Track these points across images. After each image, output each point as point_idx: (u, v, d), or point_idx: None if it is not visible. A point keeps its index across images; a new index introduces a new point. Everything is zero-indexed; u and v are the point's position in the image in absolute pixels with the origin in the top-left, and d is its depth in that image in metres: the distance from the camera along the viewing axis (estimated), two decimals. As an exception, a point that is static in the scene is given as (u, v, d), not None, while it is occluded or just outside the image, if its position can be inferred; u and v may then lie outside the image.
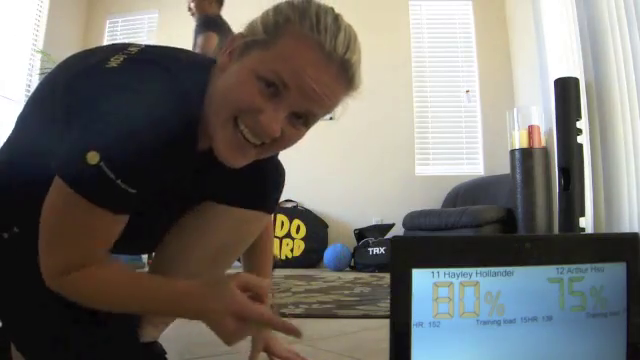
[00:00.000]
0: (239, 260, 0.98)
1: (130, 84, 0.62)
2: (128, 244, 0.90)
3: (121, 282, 0.66)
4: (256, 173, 0.82)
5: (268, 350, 0.90)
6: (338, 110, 0.69)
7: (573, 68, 3.31)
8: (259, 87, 0.62)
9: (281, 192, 0.87)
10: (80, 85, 0.65)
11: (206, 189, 0.83)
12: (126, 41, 0.80)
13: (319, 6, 0.64)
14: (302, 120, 0.66)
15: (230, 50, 0.67)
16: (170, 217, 0.84)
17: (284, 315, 1.69)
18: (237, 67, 0.65)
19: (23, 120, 0.72)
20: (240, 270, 0.93)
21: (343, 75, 0.64)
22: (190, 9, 2.98)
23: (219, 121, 0.66)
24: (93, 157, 0.57)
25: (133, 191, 0.61)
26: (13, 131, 0.73)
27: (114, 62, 0.65)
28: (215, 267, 0.88)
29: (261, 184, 0.83)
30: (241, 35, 0.67)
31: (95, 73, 0.65)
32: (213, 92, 0.68)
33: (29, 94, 0.80)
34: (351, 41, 0.64)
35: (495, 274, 0.54)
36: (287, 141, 0.68)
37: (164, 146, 0.62)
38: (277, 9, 0.65)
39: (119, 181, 0.59)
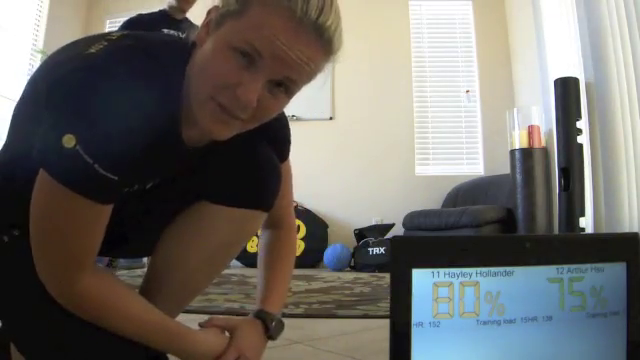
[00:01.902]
0: (237, 259, 0.97)
1: (107, 67, 0.61)
2: (126, 247, 0.90)
3: (144, 319, 0.70)
4: (252, 171, 0.81)
5: (231, 335, 0.81)
6: (320, 76, 0.68)
7: (573, 68, 3.31)
8: (234, 59, 0.62)
9: (278, 191, 0.85)
10: (59, 73, 0.64)
11: (200, 187, 0.82)
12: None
13: None
14: (282, 88, 0.65)
15: (206, 23, 0.66)
16: (165, 217, 0.84)
17: (284, 315, 1.69)
18: (212, 40, 0.64)
19: (15, 120, 0.72)
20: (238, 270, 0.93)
21: (318, 39, 0.62)
22: (181, 10, 2.66)
23: (199, 99, 0.65)
24: (69, 140, 0.56)
25: (114, 177, 0.59)
26: (8, 131, 0.73)
27: (94, 49, 0.64)
28: (212, 268, 0.87)
29: (257, 182, 0.82)
30: (216, 7, 0.66)
31: (74, 60, 0.64)
32: (192, 69, 0.67)
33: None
34: (325, 4, 0.62)
35: (495, 274, 0.54)
36: (268, 111, 0.66)
37: (143, 129, 0.61)
38: None
39: (97, 165, 0.57)
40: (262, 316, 0.84)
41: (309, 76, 0.66)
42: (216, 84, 0.63)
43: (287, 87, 0.65)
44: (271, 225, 0.95)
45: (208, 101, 0.64)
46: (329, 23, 0.63)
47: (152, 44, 0.68)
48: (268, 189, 0.83)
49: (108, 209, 0.64)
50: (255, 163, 0.82)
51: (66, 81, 0.60)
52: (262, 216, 0.85)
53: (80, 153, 0.56)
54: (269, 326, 0.83)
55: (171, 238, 0.83)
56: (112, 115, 0.58)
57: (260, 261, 0.94)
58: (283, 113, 0.85)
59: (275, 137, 0.86)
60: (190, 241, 0.82)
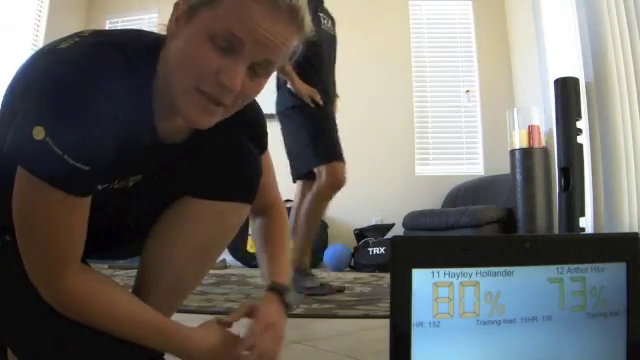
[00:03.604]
0: (237, 259, 0.97)
1: (76, 60, 0.62)
2: (121, 248, 0.90)
3: (138, 319, 0.69)
4: (233, 164, 0.82)
5: (252, 315, 0.80)
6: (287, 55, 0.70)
7: (573, 68, 3.31)
8: (213, 47, 0.63)
9: (259, 182, 0.86)
10: (30, 67, 0.66)
11: (182, 183, 0.82)
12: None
13: None
14: (261, 71, 0.67)
15: (176, 16, 0.67)
16: (154, 216, 0.84)
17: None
18: (187, 32, 0.65)
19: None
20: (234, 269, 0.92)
21: (293, 21, 0.66)
22: None
23: (182, 91, 0.66)
24: (39, 132, 0.57)
25: (85, 168, 0.60)
26: None
27: (64, 44, 0.65)
28: (199, 263, 0.87)
29: (239, 175, 0.83)
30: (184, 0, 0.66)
31: (46, 55, 0.65)
32: (166, 61, 0.68)
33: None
34: None
35: (495, 274, 0.54)
36: (249, 94, 0.69)
37: (113, 119, 0.62)
38: None
39: (66, 156, 0.58)
40: (275, 287, 0.84)
41: (285, 56, 0.69)
42: (198, 73, 0.64)
43: (266, 69, 0.68)
44: (261, 212, 0.96)
45: (192, 92, 0.65)
46: (300, 4, 0.66)
47: (121, 40, 0.69)
48: (250, 181, 0.84)
49: (84, 202, 0.64)
50: (236, 156, 0.83)
51: (36, 75, 0.61)
52: (245, 208, 0.86)
53: (49, 144, 0.57)
54: (284, 295, 0.84)
55: (157, 236, 0.83)
56: (81, 107, 0.59)
57: (258, 242, 0.95)
58: (259, 107, 0.88)
59: (253, 130, 0.87)
60: (176, 237, 0.82)
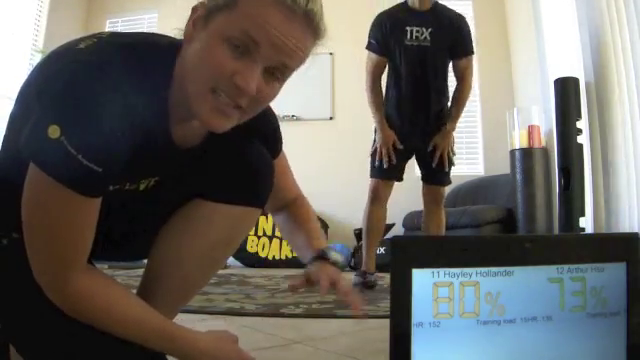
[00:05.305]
0: (238, 259, 0.97)
1: (94, 61, 0.62)
2: (125, 250, 0.90)
3: (141, 320, 0.69)
4: (245, 168, 0.82)
5: (334, 286, 0.84)
6: (308, 61, 0.71)
7: (573, 68, 3.31)
8: (229, 50, 0.64)
9: (271, 187, 0.86)
10: (47, 66, 0.66)
11: (194, 186, 0.82)
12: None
13: None
14: (276, 76, 0.68)
15: (193, 19, 0.68)
16: (162, 218, 0.84)
17: (284, 315, 1.69)
18: (203, 35, 0.66)
19: (13, 119, 0.72)
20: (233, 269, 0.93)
21: (308, 25, 0.66)
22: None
23: (197, 93, 0.67)
24: (54, 131, 0.57)
25: (98, 169, 0.60)
26: (5, 133, 0.73)
27: (82, 44, 0.66)
28: (208, 266, 0.88)
29: (251, 179, 0.83)
30: (202, 4, 0.67)
31: (64, 55, 0.66)
32: (183, 64, 0.68)
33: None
34: None
35: (495, 274, 0.54)
36: (265, 98, 0.69)
37: (130, 123, 0.62)
38: None
39: (80, 156, 0.58)
40: (317, 254, 0.87)
41: (301, 61, 0.69)
42: (214, 75, 0.65)
43: (282, 73, 0.68)
44: (285, 207, 0.99)
45: (207, 94, 0.66)
46: (316, 9, 0.66)
47: (140, 43, 0.70)
48: (262, 186, 0.85)
49: (95, 204, 0.64)
50: (249, 160, 0.83)
51: (54, 74, 0.61)
52: (256, 213, 0.86)
53: (64, 144, 0.57)
54: (327, 256, 0.86)
55: (167, 237, 0.83)
56: (97, 108, 0.59)
57: (286, 226, 0.98)
58: (272, 111, 0.89)
59: (267, 135, 0.88)
60: (185, 238, 0.82)
